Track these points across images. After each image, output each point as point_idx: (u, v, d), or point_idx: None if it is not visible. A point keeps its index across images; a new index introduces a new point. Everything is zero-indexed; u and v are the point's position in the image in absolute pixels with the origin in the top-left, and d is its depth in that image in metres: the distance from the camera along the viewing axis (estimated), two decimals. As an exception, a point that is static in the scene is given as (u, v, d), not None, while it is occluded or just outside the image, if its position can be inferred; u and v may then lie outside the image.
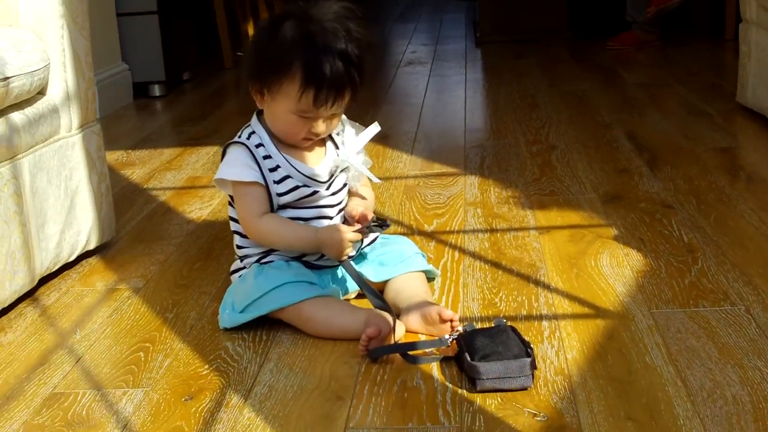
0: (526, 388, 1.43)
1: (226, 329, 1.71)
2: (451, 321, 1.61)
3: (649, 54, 4.59)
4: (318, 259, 1.76)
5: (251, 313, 1.69)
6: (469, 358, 1.46)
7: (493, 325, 1.56)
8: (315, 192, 1.74)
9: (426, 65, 4.68)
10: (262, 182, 1.71)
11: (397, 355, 1.56)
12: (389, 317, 1.59)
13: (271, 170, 1.72)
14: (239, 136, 1.76)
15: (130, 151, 3.17)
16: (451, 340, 1.56)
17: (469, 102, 3.73)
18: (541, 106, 3.52)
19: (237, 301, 1.72)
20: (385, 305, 1.64)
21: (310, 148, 1.77)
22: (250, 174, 1.71)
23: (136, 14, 4.12)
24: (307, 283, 1.70)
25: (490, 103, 3.74)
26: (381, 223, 1.73)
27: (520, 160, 2.77)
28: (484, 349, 1.47)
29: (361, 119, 1.85)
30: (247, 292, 1.71)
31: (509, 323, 1.57)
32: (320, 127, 1.71)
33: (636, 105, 3.45)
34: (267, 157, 1.73)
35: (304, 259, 1.76)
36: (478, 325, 1.62)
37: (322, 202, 1.75)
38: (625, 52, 4.67)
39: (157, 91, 4.18)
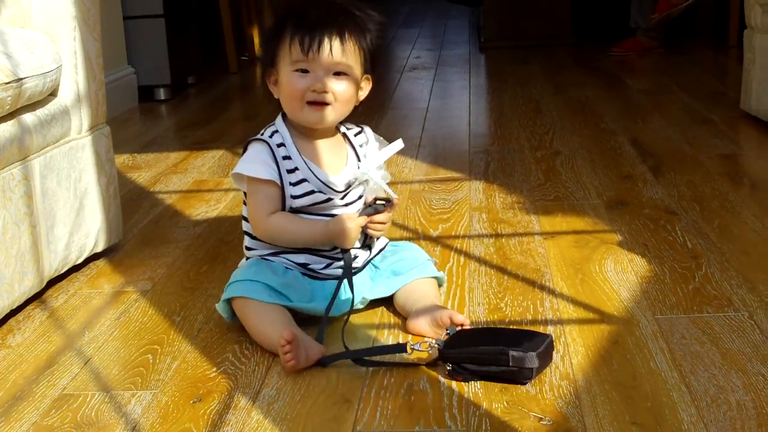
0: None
1: (231, 320, 1.73)
2: (462, 325, 1.62)
3: (653, 60, 4.60)
4: (324, 268, 1.77)
5: (227, 294, 1.71)
6: (517, 352, 1.46)
7: (448, 333, 1.58)
8: (329, 199, 1.75)
9: (430, 70, 4.69)
10: (278, 182, 1.73)
11: (404, 359, 1.57)
12: (308, 338, 1.59)
13: (289, 171, 1.73)
14: (262, 134, 1.78)
15: (136, 154, 3.19)
16: (433, 345, 1.56)
17: (474, 107, 3.75)
18: (545, 112, 3.54)
19: (231, 278, 1.75)
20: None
21: (329, 152, 1.77)
22: (267, 172, 1.73)
23: (142, 17, 4.13)
24: (279, 293, 1.68)
25: (494, 108, 3.75)
26: (385, 199, 1.74)
27: (525, 166, 2.78)
28: (506, 343, 1.49)
29: (364, 123, 1.87)
30: (236, 272, 1.75)
31: (513, 326, 1.59)
32: (320, 81, 1.69)
33: (640, 111, 3.46)
34: (287, 157, 1.74)
35: (309, 267, 1.77)
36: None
37: (334, 211, 1.75)
38: (629, 59, 4.69)
39: (162, 94, 4.20)
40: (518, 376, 1.47)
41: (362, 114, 1.81)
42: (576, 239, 2.13)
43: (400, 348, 1.58)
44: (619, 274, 1.91)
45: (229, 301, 1.71)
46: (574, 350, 1.59)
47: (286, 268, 1.75)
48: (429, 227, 2.27)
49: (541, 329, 1.67)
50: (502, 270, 1.97)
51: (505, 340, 1.51)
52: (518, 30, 5.24)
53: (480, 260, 2.03)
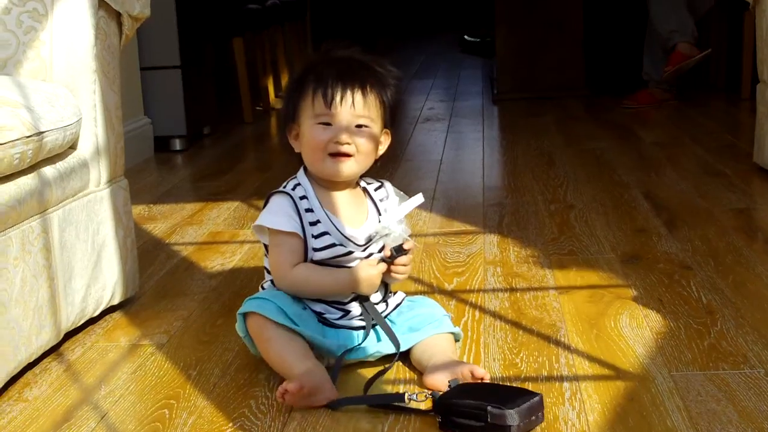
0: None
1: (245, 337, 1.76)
2: (482, 379, 1.63)
3: (666, 113, 4.63)
4: (339, 318, 1.78)
5: (240, 312, 1.74)
6: (495, 409, 1.47)
7: (450, 385, 1.59)
8: (350, 252, 1.76)
9: (444, 122, 4.73)
10: (301, 234, 1.74)
11: (429, 411, 1.57)
12: (325, 380, 1.62)
13: (312, 224, 1.75)
14: (284, 186, 1.80)
15: (151, 205, 3.21)
16: (428, 396, 1.58)
17: (487, 159, 3.77)
18: (558, 165, 3.56)
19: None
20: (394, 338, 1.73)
21: (350, 206, 1.79)
22: (290, 224, 1.75)
23: (159, 68, 4.18)
24: (290, 318, 1.70)
25: (507, 160, 3.78)
26: (399, 247, 1.75)
27: (539, 219, 2.79)
28: (488, 399, 1.49)
29: (379, 176, 1.89)
30: (255, 293, 1.79)
31: (529, 384, 1.58)
32: (343, 135, 1.72)
33: (653, 164, 3.47)
34: (309, 210, 1.76)
35: (324, 316, 1.78)
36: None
37: (354, 264, 1.77)
38: (642, 111, 4.71)
39: (177, 145, 4.24)
40: None
41: (377, 164, 1.83)
42: (591, 294, 2.13)
43: (398, 398, 1.59)
44: (634, 330, 1.91)
45: (244, 317, 1.74)
46: (590, 407, 1.58)
47: (304, 308, 1.77)
48: (444, 281, 2.28)
49: (556, 385, 1.67)
50: (517, 325, 1.97)
51: (490, 397, 1.51)
52: (531, 82, 5.28)
53: (495, 315, 2.04)
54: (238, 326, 1.77)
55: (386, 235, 1.77)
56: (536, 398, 1.52)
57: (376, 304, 1.80)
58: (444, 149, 4.01)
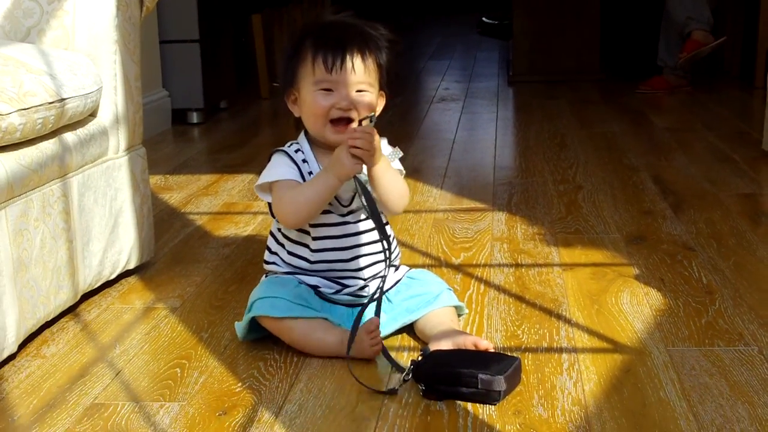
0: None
1: (245, 340, 1.82)
2: (487, 350, 1.69)
3: (679, 99, 4.66)
4: (335, 293, 1.83)
5: (250, 314, 1.78)
6: (486, 375, 1.53)
7: (423, 353, 1.65)
8: (329, 212, 1.81)
9: (458, 102, 4.77)
10: (300, 180, 1.79)
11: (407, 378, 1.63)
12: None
13: (309, 173, 1.80)
14: (282, 146, 1.85)
15: (168, 175, 3.27)
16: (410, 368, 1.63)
17: (500, 140, 3.81)
18: (570, 147, 3.60)
19: (249, 300, 1.82)
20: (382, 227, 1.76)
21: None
22: (289, 172, 1.79)
23: (178, 42, 4.23)
24: (301, 305, 1.75)
25: (520, 141, 3.82)
26: (368, 116, 1.75)
27: (547, 199, 2.84)
28: (474, 365, 1.56)
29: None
30: (253, 292, 1.82)
31: (529, 355, 1.64)
32: (344, 100, 1.75)
33: (663, 149, 3.51)
34: (304, 161, 1.81)
35: (320, 290, 1.82)
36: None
37: (333, 220, 1.82)
38: (656, 96, 4.74)
39: (195, 118, 4.29)
40: (487, 398, 1.54)
41: (390, 142, 1.87)
42: (594, 271, 2.18)
43: (401, 369, 1.65)
44: (634, 307, 1.96)
45: (250, 320, 1.79)
46: (587, 377, 1.64)
47: (298, 283, 1.81)
48: (451, 255, 2.33)
49: (555, 356, 1.73)
50: (520, 299, 2.03)
51: (475, 363, 1.58)
52: (547, 65, 5.31)
53: (499, 288, 2.09)
54: (241, 329, 1.82)
55: (363, 187, 1.76)
56: (517, 362, 1.60)
57: (368, 279, 1.85)
58: (457, 129, 4.05)
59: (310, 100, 1.77)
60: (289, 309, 1.75)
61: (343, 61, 1.74)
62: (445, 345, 1.71)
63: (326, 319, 1.76)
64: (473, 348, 1.69)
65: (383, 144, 1.84)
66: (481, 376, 1.54)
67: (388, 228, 1.83)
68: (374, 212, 1.76)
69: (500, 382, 1.53)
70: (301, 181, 1.79)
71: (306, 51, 1.77)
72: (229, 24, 4.69)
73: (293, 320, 1.74)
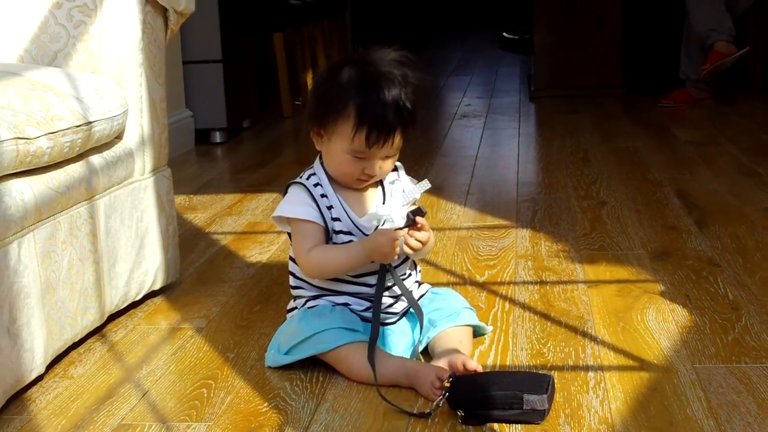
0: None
1: (272, 367, 1.81)
2: (475, 371, 1.67)
3: (702, 112, 4.64)
4: (365, 310, 1.83)
5: (293, 356, 1.78)
6: (531, 396, 1.53)
7: (450, 380, 1.62)
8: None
9: (480, 118, 4.77)
10: (320, 221, 1.79)
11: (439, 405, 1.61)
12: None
13: (328, 208, 1.81)
14: (300, 177, 1.85)
15: (192, 195, 3.29)
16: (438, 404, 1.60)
17: (522, 155, 3.81)
18: (593, 162, 3.59)
19: (282, 342, 1.81)
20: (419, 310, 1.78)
21: (364, 190, 1.84)
22: (308, 212, 1.80)
23: (201, 62, 4.27)
24: (347, 329, 1.76)
25: (542, 157, 3.82)
26: (416, 211, 1.74)
27: (571, 215, 2.84)
28: (516, 386, 1.55)
29: (415, 171, 1.94)
30: (291, 335, 1.80)
31: (555, 373, 1.64)
32: (374, 167, 1.77)
33: (687, 163, 3.50)
34: (324, 196, 1.81)
35: (350, 307, 1.82)
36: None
37: None
38: (679, 110, 4.73)
39: (218, 137, 4.32)
40: (532, 418, 1.54)
41: (412, 160, 1.88)
42: (619, 288, 2.18)
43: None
44: (660, 324, 1.95)
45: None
46: (613, 396, 1.64)
47: (333, 305, 1.82)
48: (475, 273, 2.33)
49: (581, 374, 1.73)
50: (545, 316, 2.03)
51: (513, 384, 1.56)
52: (569, 79, 5.31)
53: (524, 306, 2.09)
54: (276, 360, 1.81)
55: (385, 221, 1.78)
56: (551, 380, 1.60)
57: (404, 277, 1.85)
58: (480, 145, 4.06)
59: (339, 159, 1.78)
60: (338, 338, 1.74)
61: (384, 142, 1.74)
62: (442, 364, 1.71)
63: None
64: (462, 368, 1.67)
65: (406, 180, 1.86)
66: (526, 397, 1.53)
67: None
68: (404, 290, 1.81)
69: (543, 401, 1.53)
70: (320, 221, 1.79)
71: (348, 110, 1.73)
72: (251, 43, 4.72)
73: (348, 348, 1.74)
